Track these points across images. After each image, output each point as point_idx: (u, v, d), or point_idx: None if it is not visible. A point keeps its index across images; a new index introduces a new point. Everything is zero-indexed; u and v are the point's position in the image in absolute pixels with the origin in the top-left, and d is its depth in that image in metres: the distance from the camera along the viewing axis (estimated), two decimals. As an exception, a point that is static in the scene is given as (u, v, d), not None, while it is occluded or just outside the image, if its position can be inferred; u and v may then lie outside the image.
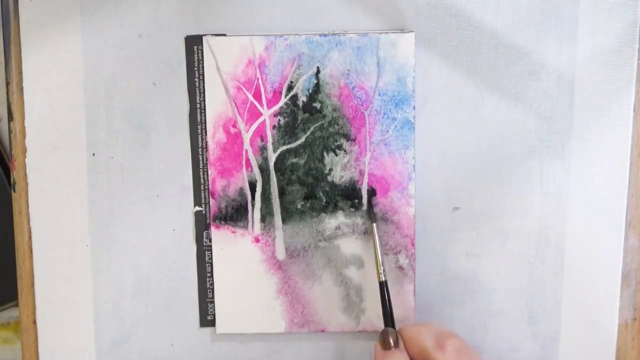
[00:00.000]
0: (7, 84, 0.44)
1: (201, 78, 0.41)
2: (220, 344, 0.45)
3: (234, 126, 0.41)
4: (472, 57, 0.43)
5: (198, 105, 0.42)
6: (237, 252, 0.42)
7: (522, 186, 0.44)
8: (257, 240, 0.41)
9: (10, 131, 0.44)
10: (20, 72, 0.44)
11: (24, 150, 0.44)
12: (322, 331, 0.43)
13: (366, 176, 0.41)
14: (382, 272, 0.40)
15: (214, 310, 0.43)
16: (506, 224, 0.44)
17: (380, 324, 0.43)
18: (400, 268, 0.42)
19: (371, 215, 0.41)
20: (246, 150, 0.41)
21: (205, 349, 0.45)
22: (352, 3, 0.42)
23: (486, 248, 0.45)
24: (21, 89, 0.44)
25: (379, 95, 0.41)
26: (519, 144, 0.44)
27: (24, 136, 0.44)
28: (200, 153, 0.42)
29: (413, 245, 0.42)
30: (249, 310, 0.42)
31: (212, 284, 0.43)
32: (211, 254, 0.43)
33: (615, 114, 0.43)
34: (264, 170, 0.41)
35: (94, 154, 0.44)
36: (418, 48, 0.43)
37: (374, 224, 0.41)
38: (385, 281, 0.40)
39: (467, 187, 0.44)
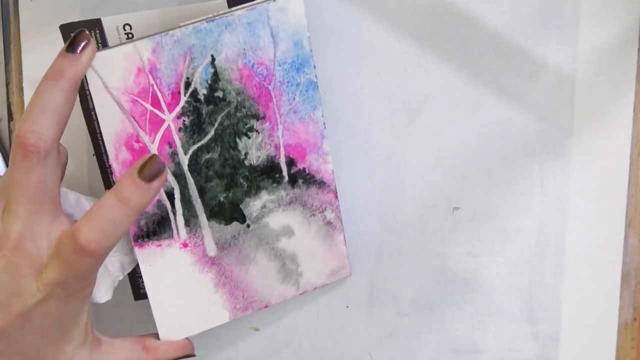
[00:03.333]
0: (7, 84, 0.44)
1: (91, 100, 0.39)
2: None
3: (137, 141, 0.38)
4: (472, 57, 0.43)
5: (97, 130, 0.41)
6: (166, 263, 0.40)
7: (522, 186, 0.44)
8: (185, 245, 0.40)
9: (10, 131, 0.44)
10: (20, 72, 0.44)
11: (24, 151, 0.44)
12: (266, 307, 0.43)
13: (282, 149, 0.40)
14: None
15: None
16: (506, 224, 0.44)
17: (318, 280, 0.43)
18: (329, 223, 0.42)
19: None
20: None
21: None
22: None
23: (486, 248, 0.45)
24: (21, 89, 0.44)
25: (279, 65, 0.39)
26: (519, 144, 0.44)
27: (24, 136, 0.44)
28: (110, 177, 0.42)
29: (336, 197, 0.42)
30: (190, 313, 0.41)
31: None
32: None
33: (615, 114, 0.43)
34: (178, 175, 0.39)
35: (94, 154, 0.44)
36: (418, 48, 0.43)
37: None
38: None
39: (467, 187, 0.44)
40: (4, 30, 0.43)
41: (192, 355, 0.41)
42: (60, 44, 0.43)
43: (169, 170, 0.39)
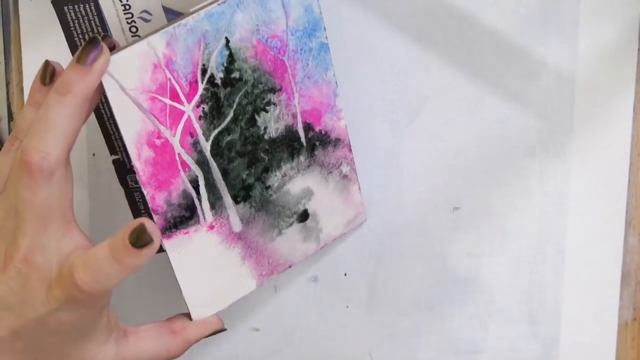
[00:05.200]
0: (7, 84, 0.44)
1: (105, 105, 0.38)
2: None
3: (159, 137, 0.37)
4: (472, 57, 0.43)
5: (111, 130, 0.41)
6: (194, 248, 0.40)
7: (522, 186, 0.44)
8: (211, 227, 0.40)
9: (10, 131, 0.44)
10: (20, 72, 0.44)
11: (24, 151, 0.44)
12: (290, 267, 0.43)
13: (299, 116, 0.40)
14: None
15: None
16: (506, 224, 0.44)
17: (336, 231, 0.43)
18: (345, 177, 0.42)
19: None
20: (179, 154, 0.38)
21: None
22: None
23: (486, 248, 0.45)
24: (21, 89, 0.44)
25: (292, 34, 0.39)
26: (519, 144, 0.44)
27: (24, 136, 0.44)
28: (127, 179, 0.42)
29: (350, 150, 0.42)
30: (219, 289, 0.41)
31: None
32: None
33: (615, 114, 0.43)
34: (202, 162, 0.39)
35: (94, 154, 0.44)
36: (418, 48, 0.43)
37: None
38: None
39: (467, 187, 0.44)
40: (4, 30, 0.43)
41: (223, 330, 0.41)
42: (60, 42, 0.43)
43: (191, 161, 0.38)
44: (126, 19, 0.40)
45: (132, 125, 0.36)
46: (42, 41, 0.43)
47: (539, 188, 0.44)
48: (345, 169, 0.42)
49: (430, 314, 0.45)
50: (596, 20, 0.42)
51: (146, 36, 0.36)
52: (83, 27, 0.40)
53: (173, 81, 0.37)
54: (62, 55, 0.43)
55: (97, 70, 0.34)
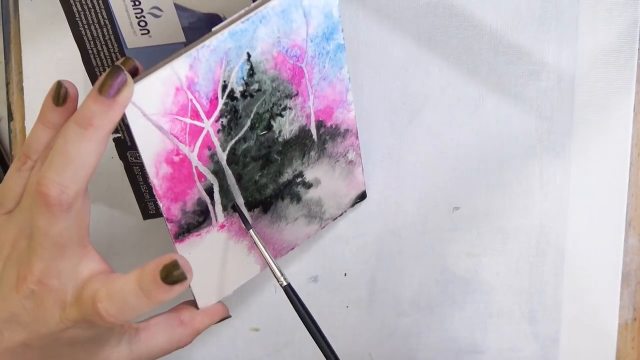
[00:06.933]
0: (7, 84, 0.44)
1: (126, 129, 0.37)
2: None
3: (177, 154, 0.37)
4: (472, 57, 0.43)
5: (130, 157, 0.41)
6: (204, 247, 0.40)
7: (522, 186, 0.44)
8: (222, 227, 0.40)
9: (10, 131, 0.44)
10: (20, 72, 0.44)
11: (24, 150, 0.44)
12: (292, 249, 0.44)
13: (313, 116, 0.40)
14: (281, 276, 0.39)
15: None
16: (506, 224, 0.44)
17: (338, 211, 0.44)
18: (350, 162, 0.43)
19: (245, 222, 0.40)
20: (196, 167, 0.38)
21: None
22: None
23: (486, 248, 0.45)
24: (21, 89, 0.44)
25: (311, 41, 0.38)
26: (519, 144, 0.44)
27: (24, 136, 0.44)
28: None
29: (357, 137, 0.42)
30: (225, 277, 0.42)
31: None
32: None
33: (615, 114, 0.43)
34: (217, 171, 0.39)
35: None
36: (418, 48, 0.43)
37: (251, 230, 0.40)
38: (289, 284, 0.39)
39: (467, 187, 0.44)
40: (4, 29, 0.43)
41: (228, 317, 0.42)
42: (60, 43, 0.43)
43: (207, 171, 0.38)
44: (135, 13, 0.39)
45: (152, 147, 0.36)
46: (42, 41, 0.43)
47: (539, 188, 0.44)
48: (351, 155, 0.42)
49: (430, 314, 0.45)
50: (596, 20, 0.42)
51: (169, 60, 0.35)
52: (89, 18, 0.39)
53: (194, 101, 0.36)
54: (62, 54, 0.43)
55: (121, 102, 0.32)
